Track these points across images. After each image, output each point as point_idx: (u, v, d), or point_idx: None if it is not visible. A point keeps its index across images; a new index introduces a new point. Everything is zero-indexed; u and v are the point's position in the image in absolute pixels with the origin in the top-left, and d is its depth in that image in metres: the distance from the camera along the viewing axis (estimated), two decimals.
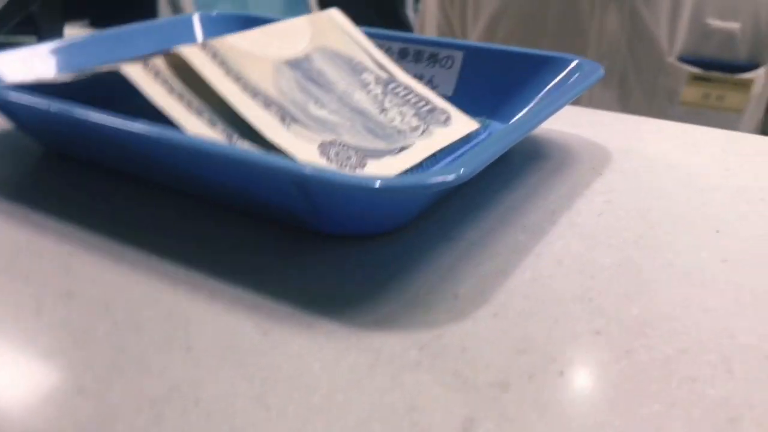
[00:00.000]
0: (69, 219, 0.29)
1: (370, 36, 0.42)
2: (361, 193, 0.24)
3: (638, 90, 0.83)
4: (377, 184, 0.22)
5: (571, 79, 0.35)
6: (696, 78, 0.79)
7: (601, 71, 0.35)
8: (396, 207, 0.27)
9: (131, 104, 0.29)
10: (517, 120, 0.34)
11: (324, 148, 0.30)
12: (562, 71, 0.36)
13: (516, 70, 0.38)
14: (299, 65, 0.34)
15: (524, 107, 0.37)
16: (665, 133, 0.39)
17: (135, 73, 0.30)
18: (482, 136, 0.36)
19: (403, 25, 1.89)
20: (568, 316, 0.23)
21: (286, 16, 0.39)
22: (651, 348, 0.21)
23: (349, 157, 0.30)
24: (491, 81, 0.39)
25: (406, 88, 0.37)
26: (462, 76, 0.40)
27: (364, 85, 0.36)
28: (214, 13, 0.47)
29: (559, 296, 0.24)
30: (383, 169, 0.30)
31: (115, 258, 0.26)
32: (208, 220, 0.29)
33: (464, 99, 0.39)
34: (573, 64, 0.36)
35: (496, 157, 0.26)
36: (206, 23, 0.46)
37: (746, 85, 0.79)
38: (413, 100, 0.36)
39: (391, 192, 0.23)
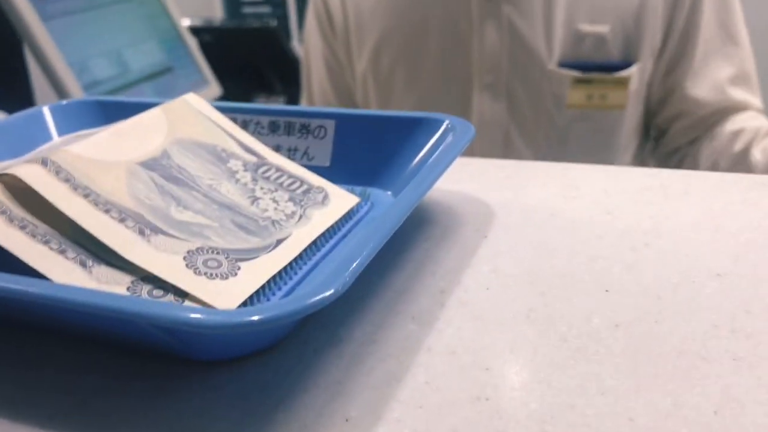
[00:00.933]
0: None
1: (237, 111, 0.40)
2: (236, 330, 0.22)
3: (525, 99, 0.85)
4: (254, 319, 0.20)
5: (446, 140, 0.34)
6: (578, 81, 0.82)
7: (473, 130, 0.34)
8: (274, 329, 0.25)
9: None
10: (393, 195, 0.33)
11: (190, 258, 0.28)
12: (436, 131, 0.35)
13: (389, 133, 0.37)
14: (157, 164, 0.32)
15: (402, 171, 0.36)
16: (546, 176, 0.39)
17: None
18: (364, 209, 0.34)
19: (290, 59, 1.87)
20: (467, 423, 0.21)
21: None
22: None
23: (219, 264, 0.28)
24: (367, 147, 0.38)
25: (278, 170, 0.35)
26: (336, 144, 0.38)
27: (232, 174, 0.34)
28: (64, 102, 0.44)
29: (454, 400, 0.23)
30: (258, 270, 0.28)
31: None
32: (56, 358, 0.26)
33: (342, 168, 0.38)
34: (445, 125, 0.35)
35: (372, 257, 0.24)
36: (59, 115, 0.43)
37: (623, 82, 0.82)
38: (286, 183, 0.34)
39: (270, 323, 0.21)
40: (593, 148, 0.88)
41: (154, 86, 1.49)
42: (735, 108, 0.83)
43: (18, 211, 0.28)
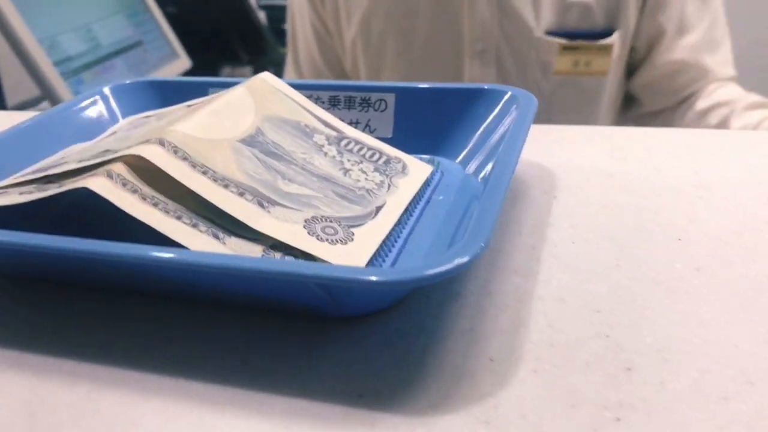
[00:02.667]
0: (52, 345, 0.27)
1: (300, 88, 0.42)
2: (394, 288, 0.25)
3: (513, 66, 0.88)
4: (416, 275, 0.23)
5: (510, 110, 0.37)
6: (565, 48, 0.86)
7: (535, 101, 0.37)
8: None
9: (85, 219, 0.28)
10: (481, 167, 0.36)
11: (309, 226, 0.30)
12: (497, 102, 0.38)
13: (450, 104, 0.40)
14: (254, 141, 0.34)
15: (467, 141, 0.39)
16: (592, 139, 0.43)
17: (103, 187, 0.28)
18: (437, 177, 0.37)
19: (255, 27, 1.86)
20: (596, 357, 0.25)
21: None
22: (679, 375, 0.24)
23: (336, 231, 0.31)
24: (428, 119, 0.40)
25: (357, 142, 0.37)
26: (398, 116, 0.41)
27: (319, 148, 0.36)
28: (126, 82, 0.45)
29: (578, 339, 0.26)
30: (369, 235, 0.31)
31: (133, 379, 0.25)
32: (202, 323, 0.28)
33: (404, 139, 0.40)
34: (507, 96, 0.38)
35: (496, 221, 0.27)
36: (121, 95, 0.44)
37: (607, 49, 0.86)
38: (368, 155, 0.37)
39: (423, 281, 0.24)
40: (577, 113, 0.92)
41: (125, 60, 1.47)
42: (708, 74, 0.88)
43: (147, 190, 0.30)
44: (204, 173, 0.31)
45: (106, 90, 0.44)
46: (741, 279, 0.29)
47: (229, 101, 0.36)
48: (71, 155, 0.37)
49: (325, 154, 0.36)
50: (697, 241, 0.31)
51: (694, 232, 0.32)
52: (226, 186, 0.31)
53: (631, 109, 0.98)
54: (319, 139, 0.37)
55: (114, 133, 0.40)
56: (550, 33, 0.86)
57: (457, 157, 0.39)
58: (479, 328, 0.27)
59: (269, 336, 0.27)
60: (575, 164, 0.39)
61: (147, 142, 0.31)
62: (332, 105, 0.42)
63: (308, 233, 0.30)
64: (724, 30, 0.89)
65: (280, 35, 2.04)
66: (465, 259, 0.23)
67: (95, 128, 0.42)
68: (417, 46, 0.90)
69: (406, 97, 0.41)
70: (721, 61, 0.89)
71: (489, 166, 0.35)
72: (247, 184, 0.31)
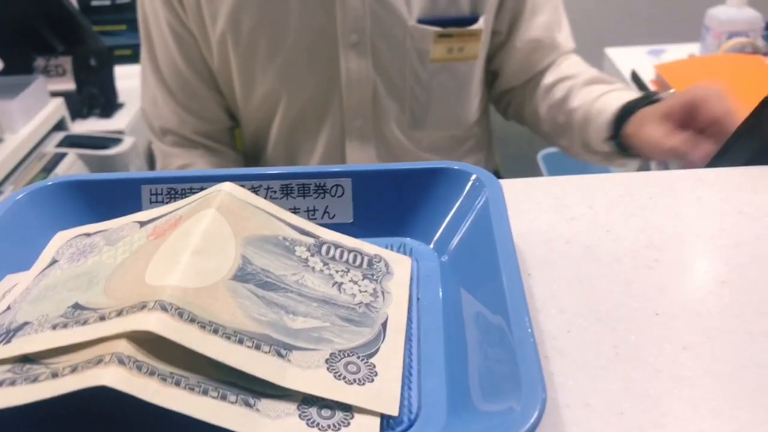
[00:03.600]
0: None
1: (249, 179, 0.40)
2: None
3: (389, 56, 0.90)
4: None
5: (480, 195, 0.38)
6: (440, 36, 0.89)
7: (499, 185, 0.38)
8: None
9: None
10: (462, 255, 0.36)
11: (332, 367, 0.30)
12: (464, 184, 0.39)
13: (411, 185, 0.40)
14: (246, 274, 0.32)
15: (435, 224, 0.39)
16: (525, 196, 0.45)
17: (121, 379, 0.26)
18: (415, 266, 0.37)
19: (68, 14, 1.69)
20: None
21: None
22: None
23: (358, 368, 0.30)
24: (389, 201, 0.40)
25: (336, 246, 0.37)
26: (356, 200, 0.40)
27: (305, 263, 0.35)
28: (48, 183, 0.40)
29: None
30: (388, 366, 0.31)
31: None
32: None
33: (366, 223, 0.40)
34: (473, 177, 0.39)
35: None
36: (38, 201, 0.39)
37: (477, 34, 0.91)
38: (350, 259, 0.36)
39: None
40: (453, 98, 0.96)
41: None
42: (558, 49, 0.96)
43: (164, 367, 0.27)
44: (215, 332, 0.29)
45: (21, 197, 0.39)
46: (722, 354, 0.32)
47: (206, 232, 0.33)
48: (21, 305, 0.33)
49: (313, 269, 0.35)
50: (673, 314, 0.35)
51: (667, 304, 0.35)
52: (241, 342, 0.29)
53: (491, 87, 1.04)
54: (301, 252, 0.35)
55: (55, 261, 0.36)
56: (422, 21, 0.88)
57: (428, 240, 0.39)
58: None
59: None
60: (534, 232, 0.41)
61: (145, 308, 0.28)
62: (285, 194, 0.41)
63: (334, 377, 0.29)
64: (562, 7, 0.98)
65: (90, 13, 1.89)
66: (530, 422, 0.24)
67: (14, 245, 0.37)
68: (289, 39, 0.88)
69: (363, 180, 0.40)
70: (566, 35, 0.98)
71: (480, 261, 0.35)
72: (258, 332, 0.30)
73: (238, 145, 1.05)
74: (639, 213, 0.43)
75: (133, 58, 2.18)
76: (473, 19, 0.90)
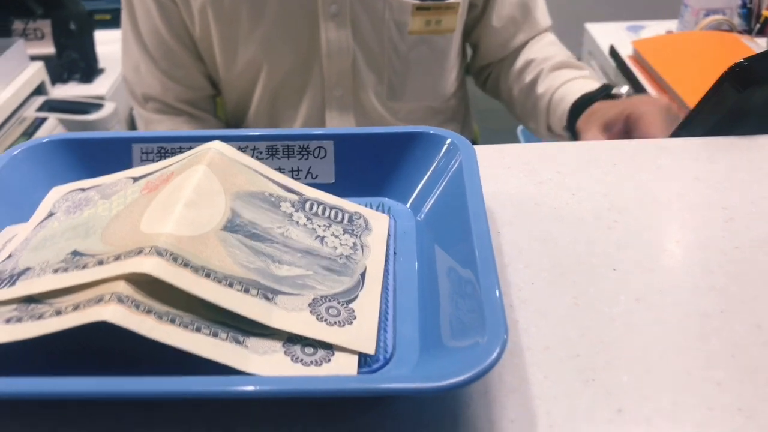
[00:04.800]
0: None
1: (237, 139, 0.42)
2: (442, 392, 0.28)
3: (369, 27, 0.92)
4: (458, 381, 0.27)
5: (454, 158, 0.40)
6: (418, 8, 0.91)
7: (473, 150, 0.40)
8: None
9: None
10: (436, 213, 0.39)
11: (315, 310, 0.32)
12: (439, 148, 0.41)
13: (389, 148, 0.42)
14: (235, 226, 0.35)
15: (412, 186, 0.42)
16: (499, 162, 0.47)
17: (121, 316, 0.28)
18: (392, 223, 0.40)
19: None
20: (593, 403, 0.30)
21: None
22: (660, 410, 0.30)
23: (338, 312, 0.33)
24: (369, 163, 0.43)
25: (318, 203, 0.39)
26: (338, 162, 0.43)
27: (290, 218, 0.37)
28: (44, 139, 0.42)
29: (572, 386, 0.31)
30: (366, 309, 0.33)
31: None
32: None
33: (347, 183, 0.43)
34: (448, 141, 0.41)
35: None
36: (34, 158, 0.41)
37: (455, 7, 0.93)
38: (332, 215, 0.39)
39: (465, 383, 0.27)
40: (430, 70, 0.98)
41: None
42: (535, 25, 0.98)
43: (160, 307, 0.30)
44: (207, 276, 0.31)
45: (18, 152, 0.41)
46: (671, 306, 0.35)
47: (198, 187, 0.35)
48: (22, 253, 0.35)
49: (297, 223, 0.37)
50: (629, 269, 0.38)
51: (624, 260, 0.38)
52: (230, 285, 0.31)
53: (471, 61, 1.07)
54: (286, 207, 0.38)
55: (52, 214, 0.38)
56: None
57: (405, 200, 0.42)
58: (491, 389, 0.31)
59: (304, 427, 0.30)
60: (504, 194, 0.44)
61: (142, 253, 0.31)
62: (270, 155, 0.43)
63: (317, 319, 0.32)
64: None
65: None
66: (493, 356, 0.27)
67: (12, 198, 0.39)
68: (271, 10, 0.89)
69: (344, 143, 0.43)
70: (542, 12, 1.00)
71: (452, 220, 0.38)
72: (247, 278, 0.32)
73: (219, 114, 1.06)
74: (603, 178, 0.45)
75: (112, 22, 2.16)
76: None
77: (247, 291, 0.32)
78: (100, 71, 1.65)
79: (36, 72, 1.47)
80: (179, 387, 0.26)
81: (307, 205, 0.39)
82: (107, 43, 1.67)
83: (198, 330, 0.30)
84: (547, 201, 0.43)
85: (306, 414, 0.30)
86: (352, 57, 0.93)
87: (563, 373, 0.32)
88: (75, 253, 0.33)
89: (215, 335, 0.30)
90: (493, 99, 1.09)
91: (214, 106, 1.04)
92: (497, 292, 0.30)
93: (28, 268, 0.33)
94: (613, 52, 1.43)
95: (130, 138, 0.42)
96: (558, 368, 0.32)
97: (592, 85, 0.86)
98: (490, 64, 1.04)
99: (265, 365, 0.30)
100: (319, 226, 0.38)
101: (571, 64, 0.94)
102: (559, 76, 0.92)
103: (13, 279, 0.32)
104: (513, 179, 0.46)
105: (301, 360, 0.30)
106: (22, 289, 0.31)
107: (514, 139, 1.78)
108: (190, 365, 0.28)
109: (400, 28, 0.92)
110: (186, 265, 0.31)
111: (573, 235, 0.40)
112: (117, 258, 0.31)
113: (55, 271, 0.32)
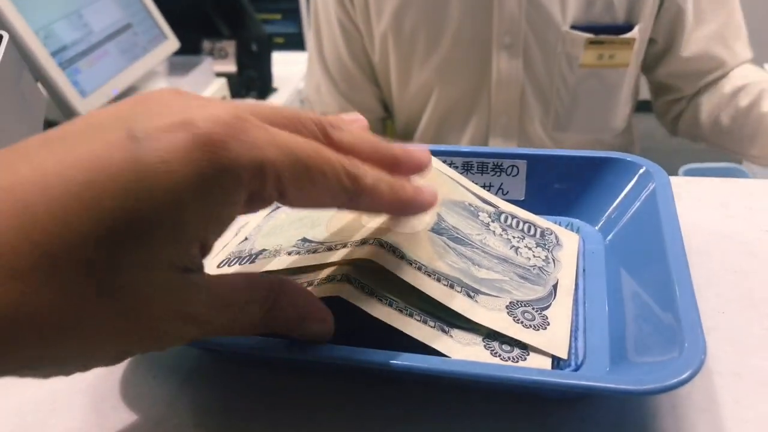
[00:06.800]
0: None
1: (437, 154, 0.46)
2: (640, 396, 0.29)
3: (540, 59, 0.93)
4: (659, 386, 0.28)
5: (646, 186, 0.42)
6: (591, 42, 0.92)
7: (668, 178, 0.41)
8: None
9: None
10: (625, 237, 0.40)
11: (512, 312, 0.35)
12: (631, 175, 0.43)
13: (581, 171, 0.44)
14: (441, 229, 0.38)
15: (602, 209, 0.43)
16: (687, 194, 0.48)
17: (352, 294, 0.32)
18: (581, 243, 0.42)
19: (236, 1, 1.83)
20: None
21: None
22: None
23: (533, 317, 0.35)
24: (559, 183, 0.45)
25: (513, 216, 0.42)
26: (529, 180, 0.45)
27: (487, 227, 0.40)
28: None
29: (765, 413, 0.32)
30: (559, 318, 0.35)
31: None
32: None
33: (536, 201, 0.45)
34: (642, 170, 0.42)
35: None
36: None
37: (629, 43, 0.92)
38: (525, 228, 0.41)
39: (663, 390, 0.29)
40: (599, 103, 0.98)
41: (116, 45, 1.45)
42: (728, 62, 0.95)
43: (380, 291, 0.33)
44: (419, 269, 0.35)
45: None
46: None
47: None
48: (256, 238, 0.40)
49: (494, 232, 0.40)
50: None
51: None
52: (438, 280, 0.35)
53: (657, 98, 1.05)
54: (483, 217, 0.41)
55: (278, 206, 0.43)
56: (574, 27, 0.91)
57: (594, 223, 0.43)
58: (679, 406, 0.32)
59: (505, 415, 0.32)
60: (692, 224, 0.44)
61: (366, 243, 0.35)
62: (465, 170, 0.46)
63: (513, 320, 0.35)
64: (740, 15, 0.95)
65: (259, 6, 2.01)
66: (691, 370, 0.28)
67: None
68: (447, 39, 0.94)
69: (537, 163, 0.45)
70: (741, 45, 0.95)
71: (645, 242, 0.39)
72: (452, 275, 0.35)
73: (388, 134, 1.12)
74: None
75: (286, 45, 2.32)
76: (627, 28, 0.92)
77: (452, 287, 0.35)
78: (274, 90, 1.77)
79: (219, 87, 1.62)
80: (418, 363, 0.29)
81: (503, 217, 0.41)
82: (281, 65, 1.80)
83: (410, 315, 0.33)
84: (736, 236, 0.43)
85: (494, 410, 0.33)
86: (520, 87, 0.95)
87: (755, 400, 0.32)
88: (304, 240, 0.37)
89: (425, 322, 0.33)
90: (658, 136, 1.07)
91: (384, 129, 1.10)
92: (695, 310, 0.31)
93: (264, 250, 0.38)
94: None
95: None
96: (749, 395, 0.33)
97: None
98: (682, 98, 1.02)
99: (467, 355, 0.33)
100: (514, 237, 0.40)
101: None
102: None
103: (252, 257, 0.38)
104: (701, 211, 0.46)
105: (500, 355, 0.33)
106: (260, 266, 0.36)
107: None
108: (395, 346, 0.32)
109: (570, 60, 0.93)
110: (402, 257, 0.35)
111: (765, 271, 0.40)
112: (344, 246, 0.35)
113: (289, 253, 0.36)
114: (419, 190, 0.33)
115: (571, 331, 0.35)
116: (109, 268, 0.23)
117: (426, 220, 0.38)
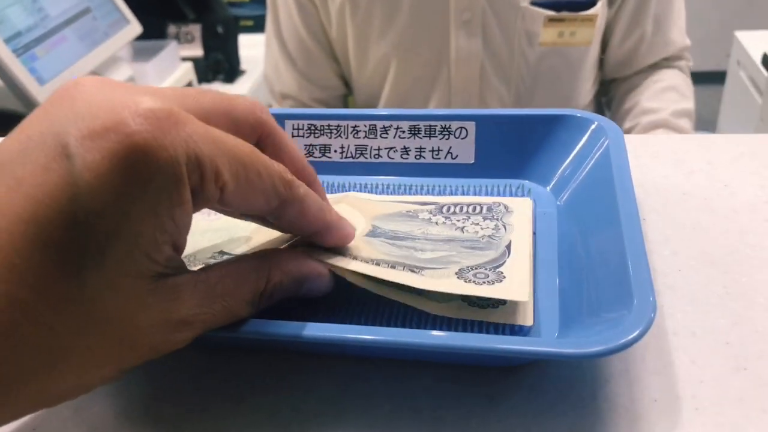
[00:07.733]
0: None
1: (377, 118, 0.43)
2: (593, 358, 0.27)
3: (499, 36, 0.91)
4: (609, 347, 0.26)
5: (599, 143, 0.39)
6: (551, 20, 0.89)
7: (621, 133, 0.39)
8: None
9: None
10: (578, 198, 0.38)
11: (462, 276, 0.32)
12: (584, 131, 0.41)
13: (532, 130, 0.42)
14: (377, 233, 0.36)
15: (553, 168, 0.41)
16: (644, 151, 0.46)
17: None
18: (534, 206, 0.40)
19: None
20: (743, 391, 0.29)
21: None
22: None
23: (486, 275, 0.33)
24: (509, 144, 0.43)
25: (455, 204, 0.39)
26: (479, 143, 0.43)
27: (428, 221, 0.38)
28: None
29: (721, 373, 0.30)
30: (516, 269, 0.33)
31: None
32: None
33: (486, 164, 0.43)
34: (594, 125, 0.40)
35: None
36: None
37: (591, 20, 0.90)
38: (470, 209, 0.39)
39: (613, 351, 0.27)
40: (561, 81, 0.96)
41: (75, 31, 1.40)
42: (670, 45, 0.95)
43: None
44: (354, 258, 0.32)
45: None
46: None
47: (340, 211, 0.36)
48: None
49: (436, 223, 0.38)
50: None
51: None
52: (378, 264, 0.32)
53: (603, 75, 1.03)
54: (424, 215, 0.38)
55: None
56: (534, 3, 0.89)
57: (546, 183, 0.41)
58: (632, 369, 0.30)
59: (451, 387, 0.30)
60: (650, 182, 0.42)
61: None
62: (413, 134, 0.44)
63: (465, 281, 0.32)
64: (681, 1, 0.95)
65: None
66: (640, 329, 0.26)
67: None
68: (404, 13, 0.91)
69: (486, 124, 0.43)
70: (680, 31, 0.95)
71: (597, 201, 0.37)
72: (391, 260, 0.33)
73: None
74: (760, 171, 0.43)
75: (254, 28, 2.27)
76: (589, 3, 0.90)
77: (393, 267, 0.32)
78: (242, 72, 1.74)
79: (185, 72, 1.58)
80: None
81: (444, 209, 0.39)
82: (249, 47, 1.76)
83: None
84: (696, 191, 0.41)
85: (440, 375, 0.31)
86: (480, 65, 0.93)
87: (711, 360, 0.30)
88: (222, 253, 0.35)
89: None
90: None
91: (345, 106, 1.08)
92: (645, 267, 0.29)
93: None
94: (766, 61, 1.34)
95: (283, 114, 0.45)
96: (706, 355, 0.31)
97: None
98: (613, 80, 1.01)
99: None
100: (459, 220, 0.38)
101: (669, 124, 0.91)
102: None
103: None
104: (660, 168, 0.44)
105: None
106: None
107: None
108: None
109: (531, 38, 0.91)
110: (337, 252, 0.33)
111: (725, 225, 0.38)
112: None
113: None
114: (343, 218, 0.32)
115: (532, 277, 0.33)
116: (78, 297, 0.22)
117: (359, 229, 0.36)
